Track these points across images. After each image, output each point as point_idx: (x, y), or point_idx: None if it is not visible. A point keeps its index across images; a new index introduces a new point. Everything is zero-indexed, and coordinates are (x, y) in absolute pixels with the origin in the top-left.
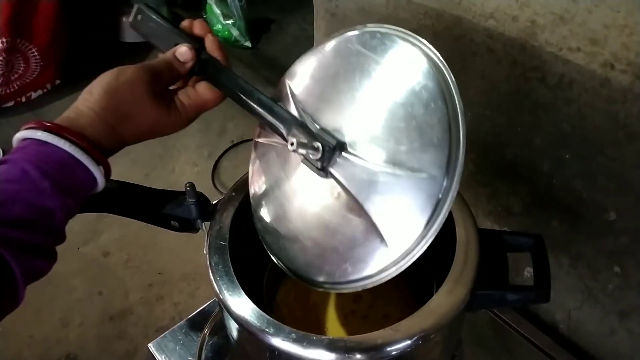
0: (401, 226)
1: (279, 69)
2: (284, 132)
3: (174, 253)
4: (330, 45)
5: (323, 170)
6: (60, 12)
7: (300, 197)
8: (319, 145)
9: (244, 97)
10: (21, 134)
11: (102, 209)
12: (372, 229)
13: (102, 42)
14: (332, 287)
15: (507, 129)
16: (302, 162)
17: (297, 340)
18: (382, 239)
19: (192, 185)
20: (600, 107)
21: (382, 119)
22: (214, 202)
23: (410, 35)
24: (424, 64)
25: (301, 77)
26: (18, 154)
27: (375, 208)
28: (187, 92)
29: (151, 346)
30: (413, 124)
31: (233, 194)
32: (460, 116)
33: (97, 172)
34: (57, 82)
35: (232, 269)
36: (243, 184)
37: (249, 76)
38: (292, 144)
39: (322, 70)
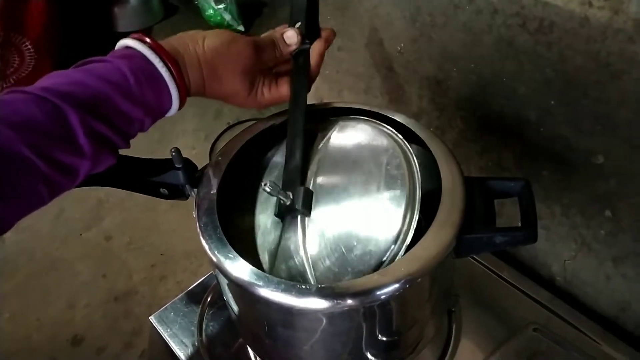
0: None
1: None
2: (285, 162)
3: (176, 233)
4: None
5: (278, 216)
6: (53, 5)
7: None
8: (290, 199)
9: (292, 109)
10: (129, 42)
11: (92, 183)
12: None
13: (96, 33)
14: None
15: (492, 81)
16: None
17: (286, 290)
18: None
19: (177, 151)
20: (581, 47)
21: (346, 221)
22: (200, 169)
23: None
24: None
25: (341, 132)
26: (124, 62)
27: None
28: (270, 84)
29: (152, 319)
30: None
31: (220, 158)
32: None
33: (176, 103)
34: None
35: (220, 228)
36: (229, 149)
37: None
38: (265, 184)
39: (350, 140)
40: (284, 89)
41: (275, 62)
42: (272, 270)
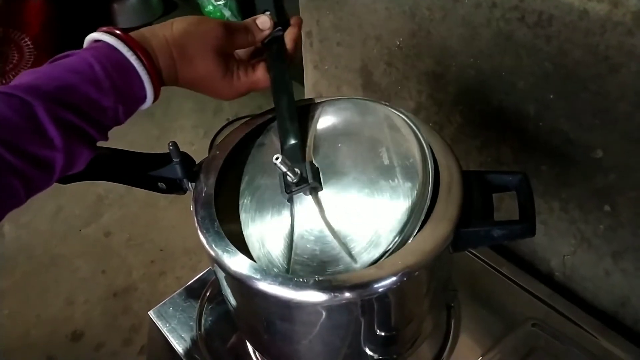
0: None
1: None
2: (282, 143)
3: (175, 230)
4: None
5: (287, 193)
6: (52, 1)
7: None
8: (299, 174)
9: (277, 92)
10: (95, 35)
11: (90, 177)
12: None
13: (95, 28)
14: None
15: (491, 76)
16: (279, 175)
17: (284, 283)
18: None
19: (174, 144)
20: (580, 41)
21: (361, 191)
22: (198, 163)
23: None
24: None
25: (335, 111)
26: (89, 52)
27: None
28: (246, 68)
29: (151, 313)
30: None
31: (217, 152)
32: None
33: (149, 89)
34: None
35: (217, 222)
36: (227, 144)
37: None
38: (277, 158)
39: (343, 115)
40: (260, 72)
41: (249, 46)
42: (291, 256)
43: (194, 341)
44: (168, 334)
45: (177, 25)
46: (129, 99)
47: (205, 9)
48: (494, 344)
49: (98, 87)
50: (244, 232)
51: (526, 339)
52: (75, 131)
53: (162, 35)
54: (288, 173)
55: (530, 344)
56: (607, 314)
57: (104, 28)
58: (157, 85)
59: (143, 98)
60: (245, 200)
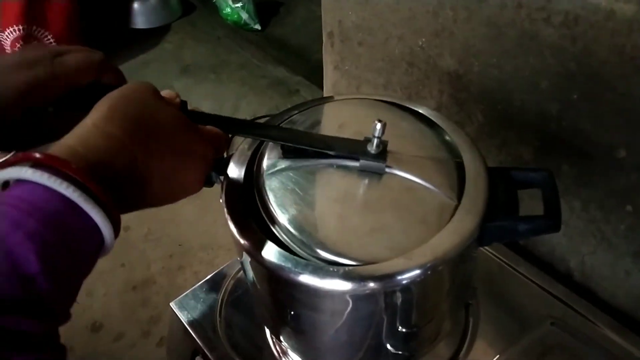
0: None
1: (289, 49)
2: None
3: (193, 225)
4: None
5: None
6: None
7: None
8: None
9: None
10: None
11: None
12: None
13: (114, 29)
14: None
15: (514, 75)
16: (360, 165)
17: (314, 272)
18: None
19: None
20: (606, 41)
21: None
22: (226, 157)
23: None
24: None
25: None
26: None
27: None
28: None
29: (173, 305)
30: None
31: (245, 146)
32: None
33: (98, 216)
34: None
35: (247, 211)
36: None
37: (259, 57)
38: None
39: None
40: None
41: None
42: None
43: (215, 333)
44: (189, 325)
45: (97, 106)
46: (68, 247)
47: (223, 11)
48: (512, 342)
49: (3, 249)
50: (273, 221)
51: (544, 338)
52: None
53: (79, 129)
54: (370, 147)
55: (549, 343)
56: (626, 314)
57: (16, 155)
58: (103, 196)
59: (94, 231)
60: (275, 189)
